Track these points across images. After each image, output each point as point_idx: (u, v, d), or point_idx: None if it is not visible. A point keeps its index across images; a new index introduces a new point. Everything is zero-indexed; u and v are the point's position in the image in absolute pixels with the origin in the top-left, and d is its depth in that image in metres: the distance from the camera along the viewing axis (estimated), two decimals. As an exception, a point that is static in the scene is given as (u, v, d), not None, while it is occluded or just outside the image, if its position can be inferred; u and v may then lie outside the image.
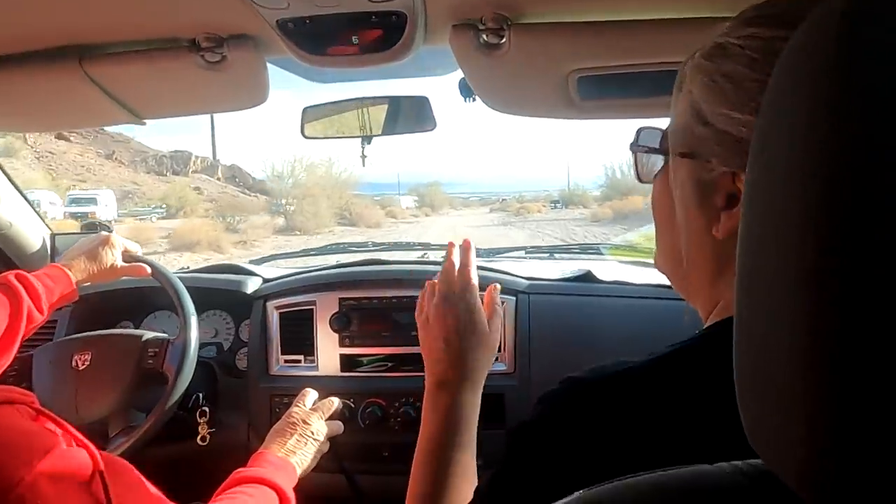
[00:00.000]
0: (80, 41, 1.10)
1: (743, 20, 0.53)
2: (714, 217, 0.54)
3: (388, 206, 37.66)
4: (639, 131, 0.64)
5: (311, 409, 1.23)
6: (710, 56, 0.54)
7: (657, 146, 0.61)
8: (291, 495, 1.03)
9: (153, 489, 0.78)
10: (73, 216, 19.86)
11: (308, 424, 1.18)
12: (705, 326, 0.58)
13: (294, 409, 1.22)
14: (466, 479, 0.82)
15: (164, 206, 30.80)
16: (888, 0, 0.27)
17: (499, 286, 1.04)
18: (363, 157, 1.39)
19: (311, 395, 1.27)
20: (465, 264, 0.97)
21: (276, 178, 33.49)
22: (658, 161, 0.61)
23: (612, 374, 0.53)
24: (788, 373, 0.29)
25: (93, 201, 25.52)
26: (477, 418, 0.87)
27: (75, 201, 24.85)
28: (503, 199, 51.70)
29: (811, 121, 0.28)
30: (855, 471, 0.27)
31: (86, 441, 0.68)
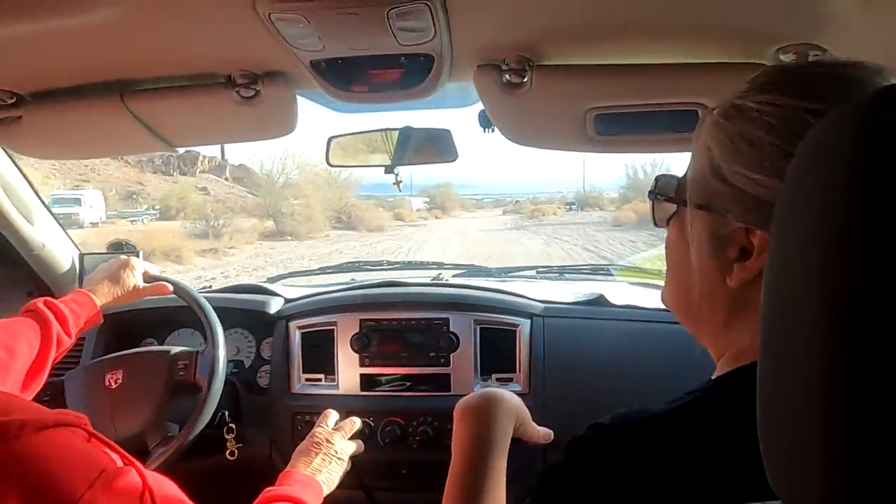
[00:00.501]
0: (122, 77, 1.16)
1: (759, 85, 0.57)
2: (727, 267, 0.57)
3: (396, 209, 35.34)
4: (657, 179, 0.68)
5: (333, 429, 1.28)
6: (727, 116, 0.57)
7: (674, 195, 0.65)
8: None
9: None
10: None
11: (332, 444, 1.23)
12: (721, 373, 0.61)
13: (317, 429, 1.26)
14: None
15: (156, 207, 28.54)
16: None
17: None
18: (398, 182, 1.45)
19: (332, 415, 1.31)
20: None
21: (265, 177, 30.45)
22: (673, 208, 0.65)
23: (638, 422, 0.56)
24: (808, 419, 0.32)
25: (77, 202, 24.28)
26: (504, 445, 0.87)
27: (58, 202, 22.32)
28: (516, 201, 49.04)
29: (828, 202, 0.33)
30: None
31: (134, 460, 0.73)
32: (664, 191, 0.66)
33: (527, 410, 0.93)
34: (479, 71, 1.11)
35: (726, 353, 0.61)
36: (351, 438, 1.29)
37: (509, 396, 0.91)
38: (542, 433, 0.97)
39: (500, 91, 1.12)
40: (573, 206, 41.05)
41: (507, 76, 1.10)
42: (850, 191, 0.32)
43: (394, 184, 1.44)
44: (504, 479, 0.84)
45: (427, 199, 43.60)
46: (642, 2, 0.92)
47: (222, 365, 1.37)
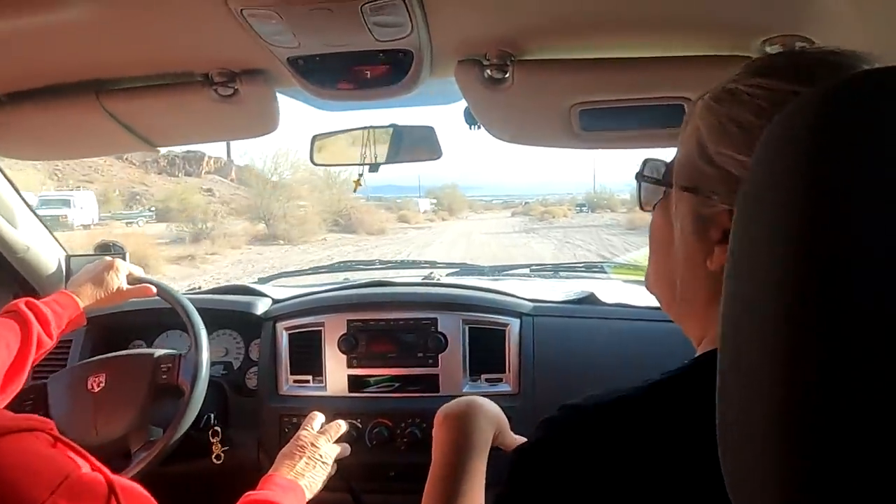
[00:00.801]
0: (98, 76, 1.14)
1: (753, 69, 0.57)
2: (709, 250, 0.57)
3: (402, 210, 34.26)
4: (645, 162, 0.67)
5: (318, 433, 1.26)
6: (718, 99, 0.57)
7: (661, 178, 0.64)
8: None
9: None
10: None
11: (317, 448, 1.21)
12: (697, 354, 0.61)
13: (302, 431, 1.25)
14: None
15: (152, 209, 27.28)
16: (858, 98, 0.31)
17: None
18: (360, 175, 1.42)
19: (318, 418, 1.30)
20: None
21: (255, 177, 28.62)
22: (660, 191, 0.65)
23: (607, 402, 0.56)
24: (765, 421, 0.31)
25: (66, 203, 23.45)
26: (484, 450, 0.87)
27: (46, 203, 21.98)
28: (525, 203, 47.39)
29: (787, 190, 0.32)
30: None
31: (101, 466, 0.71)
32: (651, 173, 0.66)
33: (506, 420, 0.94)
34: (460, 66, 1.09)
35: (706, 336, 0.61)
36: (337, 441, 1.27)
37: (490, 405, 0.92)
38: (521, 442, 0.96)
39: (483, 87, 1.10)
40: (584, 208, 39.84)
41: (488, 71, 1.08)
42: (809, 178, 0.31)
43: (357, 175, 1.42)
44: (483, 482, 0.85)
45: (434, 201, 42.54)
46: None
47: (205, 368, 1.35)
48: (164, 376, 1.37)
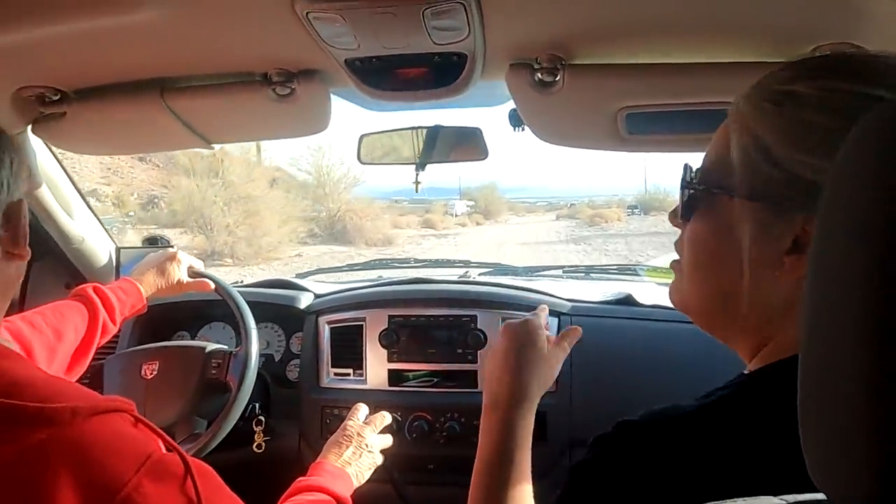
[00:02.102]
0: (162, 74, 1.19)
1: (810, 70, 0.55)
2: (778, 260, 0.55)
3: (428, 214, 29.81)
4: (688, 168, 0.64)
5: (364, 423, 1.29)
6: (776, 102, 0.55)
7: (715, 185, 0.60)
8: (349, 503, 1.09)
9: (231, 492, 0.85)
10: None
11: (363, 437, 1.24)
12: (752, 369, 0.60)
13: (349, 421, 1.28)
14: (519, 499, 0.82)
15: (131, 214, 20.73)
16: None
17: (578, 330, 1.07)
18: (417, 182, 1.46)
19: (363, 409, 1.33)
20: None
21: (185, 175, 18.68)
22: (703, 198, 0.61)
23: (666, 419, 0.55)
24: (852, 409, 0.32)
25: None
26: (530, 438, 0.87)
27: None
28: (571, 205, 41.44)
29: (873, 195, 0.32)
30: None
31: (177, 445, 0.75)
32: (705, 180, 0.62)
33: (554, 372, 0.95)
34: (511, 70, 1.12)
35: (763, 348, 0.59)
36: (381, 433, 1.31)
37: (530, 374, 0.90)
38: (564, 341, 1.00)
39: (532, 90, 1.13)
40: (636, 210, 34.19)
41: (539, 75, 1.10)
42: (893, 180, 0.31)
43: (414, 182, 1.45)
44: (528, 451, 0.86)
45: (472, 203, 37.72)
46: (674, 1, 0.92)
47: (253, 368, 1.39)
48: (214, 371, 1.41)
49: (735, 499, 0.41)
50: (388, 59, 1.09)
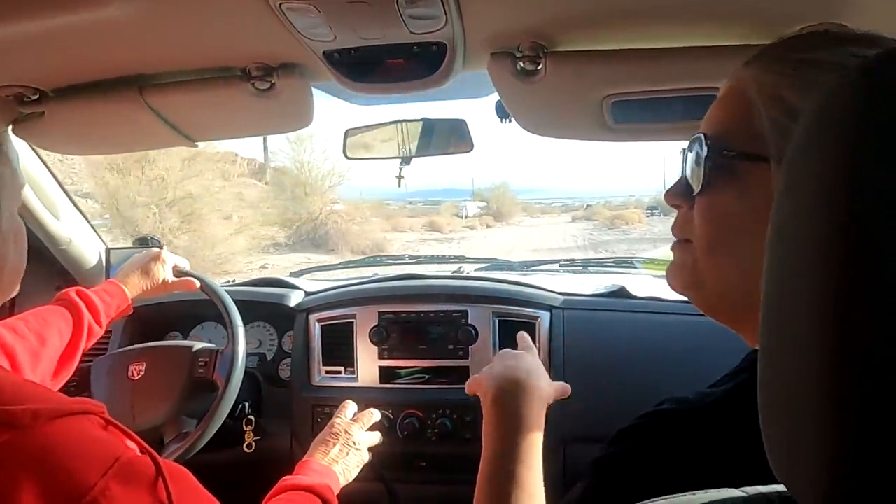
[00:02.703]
0: (141, 72, 1.17)
1: (826, 39, 0.56)
2: None
3: (433, 216, 28.11)
4: (702, 139, 0.59)
5: (352, 420, 1.28)
6: (800, 67, 0.54)
7: (746, 150, 0.56)
8: (335, 502, 1.08)
9: (208, 493, 0.83)
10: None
11: (350, 434, 1.23)
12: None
13: (336, 419, 1.27)
14: (526, 493, 0.78)
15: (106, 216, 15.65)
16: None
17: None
18: (400, 177, 1.44)
19: (350, 406, 1.32)
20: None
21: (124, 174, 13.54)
22: (730, 167, 0.57)
23: (690, 408, 0.54)
24: (811, 401, 0.31)
25: None
26: (538, 431, 0.84)
27: None
28: (587, 206, 39.92)
29: (835, 172, 0.31)
30: (875, 497, 0.29)
31: (149, 448, 0.74)
32: (734, 145, 0.56)
33: (553, 387, 0.93)
34: (492, 59, 1.10)
35: None
36: (369, 430, 1.29)
37: (540, 380, 0.89)
38: (559, 388, 0.95)
39: (515, 79, 1.11)
40: (655, 211, 32.53)
41: (521, 63, 1.08)
42: (855, 141, 0.30)
43: (397, 177, 1.44)
44: (539, 461, 0.82)
45: (483, 204, 36.03)
46: None
47: (240, 367, 1.38)
48: (201, 370, 1.41)
49: (695, 491, 0.40)
50: (367, 50, 1.07)
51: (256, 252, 15.58)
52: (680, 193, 0.62)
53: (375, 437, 1.29)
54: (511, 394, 0.86)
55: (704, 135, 0.59)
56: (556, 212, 42.83)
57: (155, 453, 0.72)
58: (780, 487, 0.37)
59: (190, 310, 1.76)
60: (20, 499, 0.57)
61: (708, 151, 0.58)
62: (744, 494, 0.38)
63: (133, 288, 1.34)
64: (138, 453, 0.71)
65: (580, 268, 2.19)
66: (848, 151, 0.30)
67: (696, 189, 0.59)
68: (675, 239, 0.65)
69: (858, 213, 0.29)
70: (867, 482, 0.29)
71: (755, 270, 0.53)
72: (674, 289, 0.65)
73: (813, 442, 0.31)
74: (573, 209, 41.31)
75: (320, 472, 1.13)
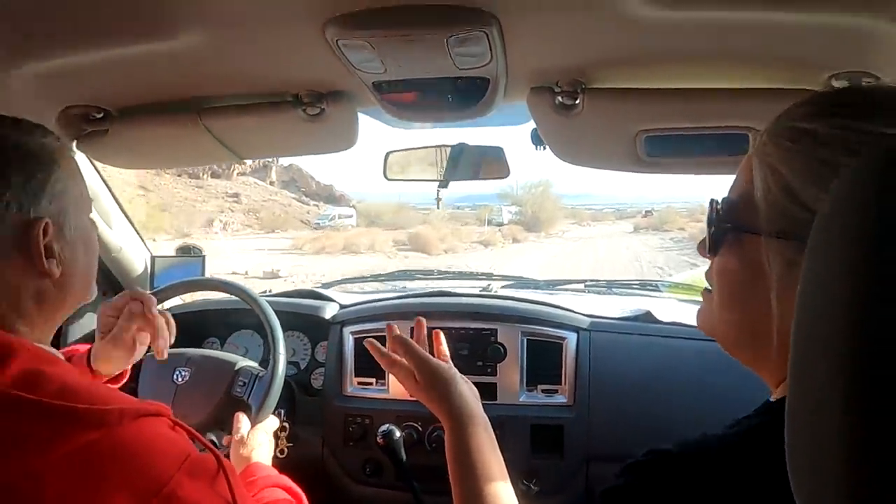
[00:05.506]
0: (199, 95, 1.25)
1: (825, 107, 0.56)
2: None
3: (460, 226, 24.13)
4: (713, 204, 0.64)
5: (250, 432, 1.32)
6: (797, 140, 0.56)
7: (742, 223, 0.61)
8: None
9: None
10: None
11: (255, 437, 1.29)
12: (778, 396, 0.61)
13: (240, 437, 1.30)
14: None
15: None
16: None
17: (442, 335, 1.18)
18: (438, 199, 1.50)
19: (242, 419, 1.33)
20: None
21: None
22: (730, 235, 0.62)
23: (695, 451, 0.56)
24: (831, 450, 0.33)
25: None
26: (489, 447, 0.93)
27: None
28: (647, 212, 36.08)
29: (860, 219, 0.33)
30: None
31: (211, 446, 0.80)
32: (733, 218, 0.62)
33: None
34: (532, 93, 1.15)
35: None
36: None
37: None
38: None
39: (553, 112, 1.16)
40: None
41: (559, 98, 1.14)
42: (878, 211, 0.32)
43: (436, 199, 1.49)
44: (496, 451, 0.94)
45: (517, 209, 30.90)
46: (692, 31, 0.94)
47: (275, 393, 1.39)
48: (239, 390, 1.44)
49: None
50: (414, 81, 1.13)
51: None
52: (705, 248, 0.67)
53: (274, 422, 1.37)
54: (454, 426, 0.98)
55: (714, 201, 0.64)
56: (610, 218, 36.79)
57: (215, 450, 0.79)
58: None
59: (228, 318, 1.82)
60: (109, 492, 0.64)
61: (711, 219, 0.64)
62: None
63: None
64: (202, 450, 0.77)
65: (605, 288, 2.23)
66: (869, 235, 0.33)
67: (707, 250, 0.65)
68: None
69: (877, 294, 0.32)
70: None
71: (763, 325, 0.59)
72: (700, 330, 0.71)
73: (838, 492, 0.33)
74: (627, 216, 35.01)
75: (260, 466, 1.20)
